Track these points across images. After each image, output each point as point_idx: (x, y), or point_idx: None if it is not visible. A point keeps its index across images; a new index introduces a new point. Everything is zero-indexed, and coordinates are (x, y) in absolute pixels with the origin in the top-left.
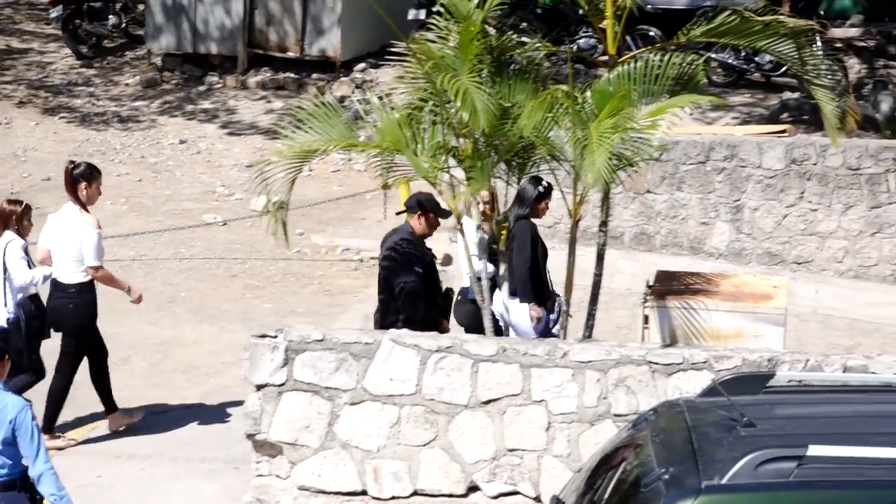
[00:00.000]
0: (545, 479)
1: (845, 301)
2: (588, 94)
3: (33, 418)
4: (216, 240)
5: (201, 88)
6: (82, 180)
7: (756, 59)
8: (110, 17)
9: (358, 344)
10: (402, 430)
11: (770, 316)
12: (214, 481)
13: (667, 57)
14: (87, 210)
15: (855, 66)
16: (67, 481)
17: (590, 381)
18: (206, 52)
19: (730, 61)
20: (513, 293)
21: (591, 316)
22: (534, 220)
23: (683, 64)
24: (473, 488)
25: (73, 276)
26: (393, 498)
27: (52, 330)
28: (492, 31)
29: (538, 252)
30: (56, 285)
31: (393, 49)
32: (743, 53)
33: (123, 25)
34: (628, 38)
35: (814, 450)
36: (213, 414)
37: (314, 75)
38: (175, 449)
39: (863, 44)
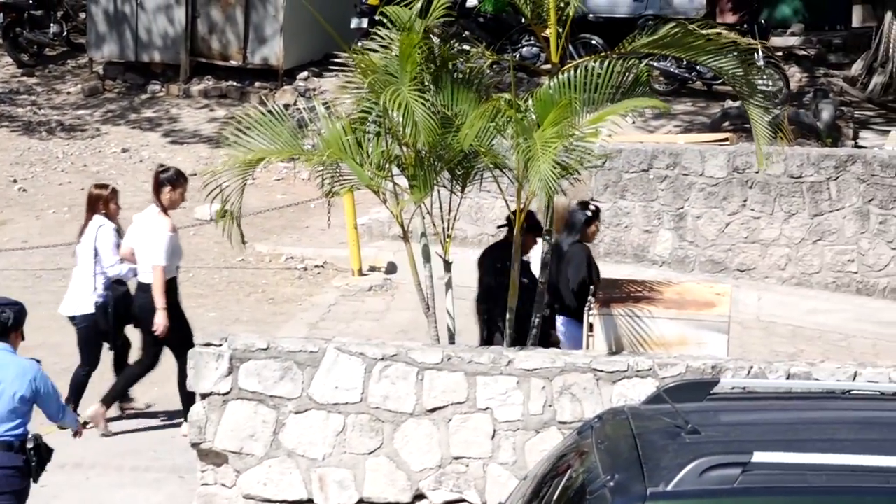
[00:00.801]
0: (491, 487)
1: (788, 308)
2: (531, 102)
3: (45, 375)
4: None
5: (144, 97)
6: (168, 184)
7: (698, 67)
8: (51, 25)
9: (303, 352)
10: (348, 438)
11: (713, 323)
12: (160, 490)
13: (608, 64)
14: (166, 213)
15: (796, 75)
16: None
17: (535, 389)
18: (148, 61)
19: (672, 70)
20: (563, 311)
21: (535, 324)
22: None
23: (625, 71)
24: (419, 496)
25: (150, 276)
26: None
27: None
28: (435, 39)
29: (592, 274)
30: (139, 285)
31: (336, 59)
32: (684, 62)
33: (65, 34)
34: (571, 46)
35: (759, 456)
36: (159, 423)
37: (257, 84)
38: (120, 458)
39: (803, 52)
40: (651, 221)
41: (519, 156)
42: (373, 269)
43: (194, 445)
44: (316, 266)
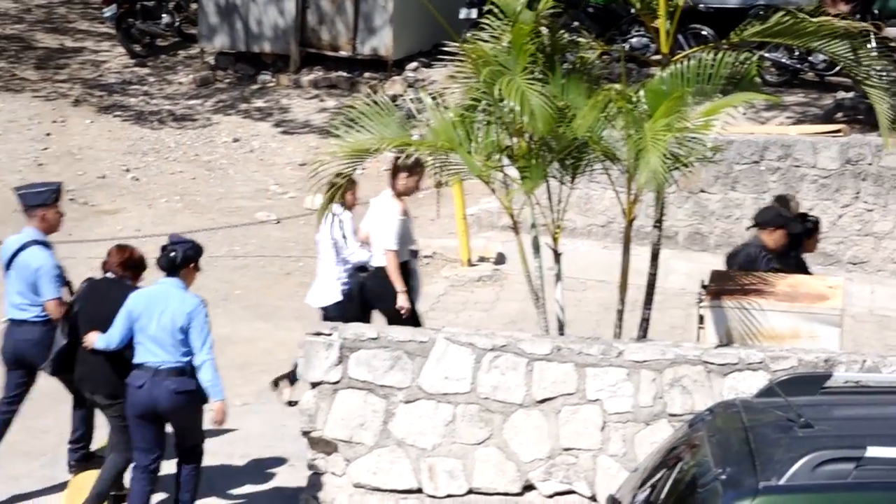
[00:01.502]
0: (600, 479)
1: None
2: (641, 93)
3: (206, 315)
4: (270, 238)
5: (254, 87)
6: (404, 171)
7: (810, 58)
8: (163, 16)
9: (413, 342)
10: (457, 428)
11: (826, 316)
12: (270, 478)
13: (720, 56)
14: (399, 198)
15: None
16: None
17: (645, 381)
18: (259, 51)
19: (783, 61)
20: None
21: (645, 316)
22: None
23: (737, 63)
24: (529, 487)
25: (383, 260)
26: (448, 496)
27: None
28: (544, 30)
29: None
30: (374, 269)
31: (445, 48)
32: (797, 53)
33: (177, 24)
34: (681, 37)
35: (872, 451)
36: (269, 411)
37: (366, 74)
38: (230, 445)
39: None
40: None
41: (630, 147)
42: (482, 259)
43: (305, 433)
44: (425, 256)
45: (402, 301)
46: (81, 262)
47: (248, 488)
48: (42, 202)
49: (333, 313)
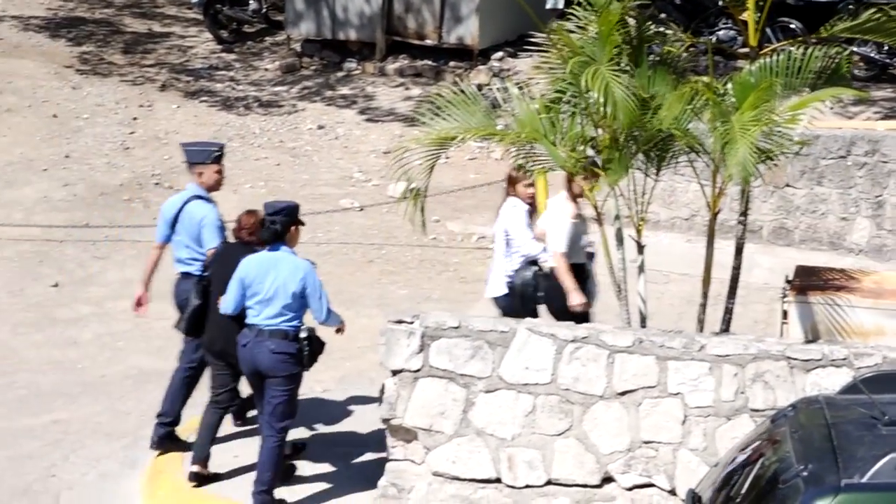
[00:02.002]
0: (680, 473)
1: None
2: (729, 86)
3: (317, 277)
4: (353, 225)
5: (340, 74)
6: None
7: None
8: (250, 2)
9: (494, 332)
10: (537, 418)
11: None
12: (350, 465)
13: (809, 50)
14: (573, 201)
15: None
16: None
17: (727, 375)
18: (344, 39)
19: (872, 55)
20: None
21: (728, 309)
22: None
23: (826, 57)
24: (608, 479)
25: (553, 261)
26: (527, 486)
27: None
28: (631, 21)
29: None
30: (550, 269)
31: (531, 38)
32: (886, 48)
33: (263, 11)
34: (769, 30)
35: None
36: (349, 398)
37: (452, 63)
38: (310, 431)
39: None
40: (848, 209)
41: (716, 139)
42: None
43: (385, 421)
44: None
45: (575, 299)
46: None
47: (327, 475)
48: (202, 160)
49: (502, 304)
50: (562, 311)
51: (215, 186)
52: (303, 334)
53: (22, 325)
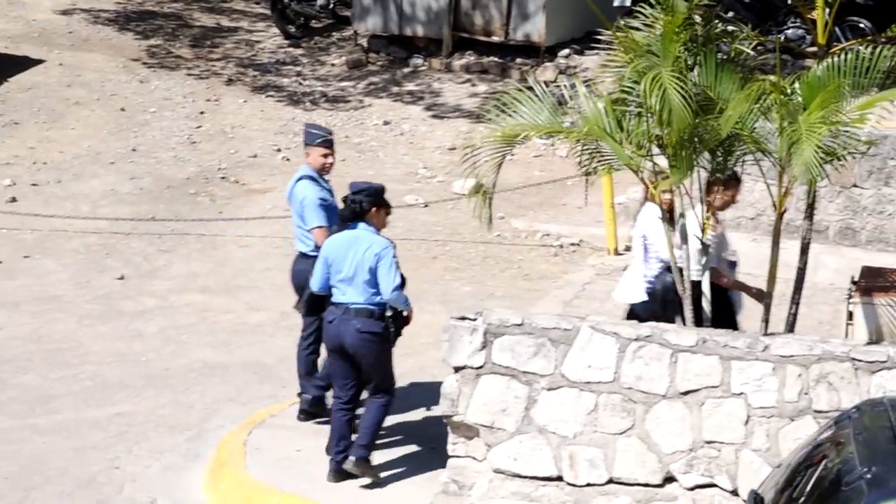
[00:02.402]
0: (742, 473)
1: None
2: (797, 85)
3: (394, 256)
4: (417, 221)
5: (406, 70)
6: (719, 185)
7: None
8: None
9: (557, 329)
10: (599, 417)
11: None
12: (411, 460)
13: (878, 49)
14: (713, 213)
15: None
16: (266, 455)
17: (791, 376)
18: (411, 35)
19: None
20: None
21: (793, 310)
22: None
23: (895, 57)
24: (669, 479)
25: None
26: (588, 485)
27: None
28: (698, 19)
29: None
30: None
31: (598, 36)
32: None
33: (331, 6)
34: (837, 29)
35: None
36: (411, 394)
37: (518, 60)
38: None
39: None
40: None
41: (783, 139)
42: (629, 248)
43: (446, 418)
44: (571, 244)
45: (757, 293)
46: (231, 240)
47: (388, 471)
48: (309, 142)
49: (639, 310)
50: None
51: (322, 169)
52: (389, 312)
53: (88, 318)
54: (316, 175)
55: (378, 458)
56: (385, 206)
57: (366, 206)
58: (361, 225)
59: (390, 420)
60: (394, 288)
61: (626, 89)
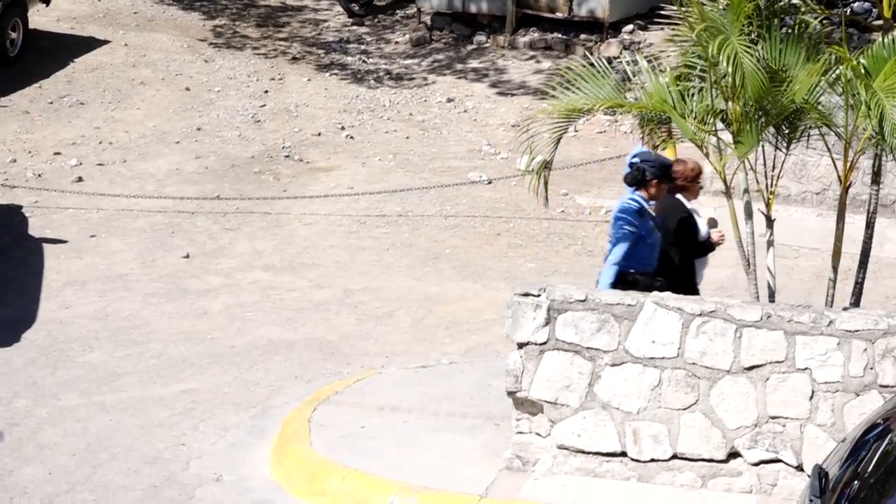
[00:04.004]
0: (807, 449)
1: None
2: (862, 59)
3: (623, 220)
4: (481, 198)
5: (470, 47)
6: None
7: None
8: None
9: (620, 305)
10: (663, 392)
11: None
12: (475, 436)
13: None
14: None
15: None
16: (330, 431)
17: (856, 351)
18: (475, 12)
19: None
20: None
21: (858, 284)
22: None
23: None
24: (734, 454)
25: None
26: (652, 460)
27: None
28: None
29: None
30: None
31: (662, 11)
32: None
33: None
34: None
35: None
36: (475, 370)
37: (582, 36)
38: (437, 403)
39: None
40: None
41: (848, 112)
42: None
43: (510, 394)
44: None
45: None
46: (295, 218)
47: (452, 446)
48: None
49: None
50: None
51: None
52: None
53: (153, 296)
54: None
55: (441, 433)
56: (665, 181)
57: (645, 175)
58: (636, 194)
59: (454, 396)
60: (612, 252)
61: (690, 64)
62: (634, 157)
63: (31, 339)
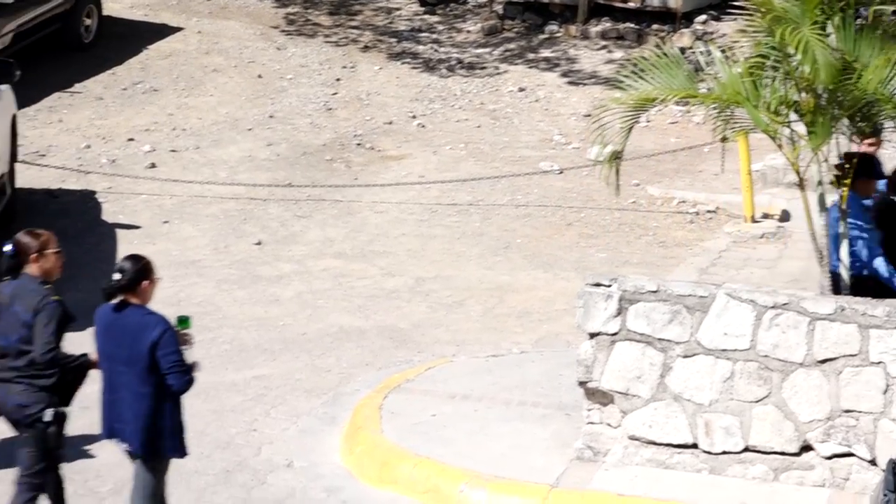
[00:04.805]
0: (881, 443)
1: None
2: None
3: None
4: (552, 188)
5: (542, 37)
6: None
7: None
8: None
9: (692, 297)
10: (735, 385)
11: None
12: (546, 426)
13: None
14: None
15: None
16: (401, 419)
17: None
18: (547, 1)
19: None
20: None
21: None
22: None
23: None
24: (806, 448)
25: None
26: (724, 452)
27: None
28: None
29: None
30: None
31: (735, 1)
32: None
33: None
34: None
35: None
36: (546, 360)
37: (654, 26)
38: (508, 392)
39: None
40: None
41: None
42: (766, 216)
43: (581, 384)
44: (707, 211)
45: None
46: (366, 206)
47: (522, 436)
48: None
49: None
50: None
51: None
52: None
53: (226, 282)
54: None
55: (512, 422)
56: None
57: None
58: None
59: (525, 386)
60: None
61: (763, 54)
62: None
63: None
